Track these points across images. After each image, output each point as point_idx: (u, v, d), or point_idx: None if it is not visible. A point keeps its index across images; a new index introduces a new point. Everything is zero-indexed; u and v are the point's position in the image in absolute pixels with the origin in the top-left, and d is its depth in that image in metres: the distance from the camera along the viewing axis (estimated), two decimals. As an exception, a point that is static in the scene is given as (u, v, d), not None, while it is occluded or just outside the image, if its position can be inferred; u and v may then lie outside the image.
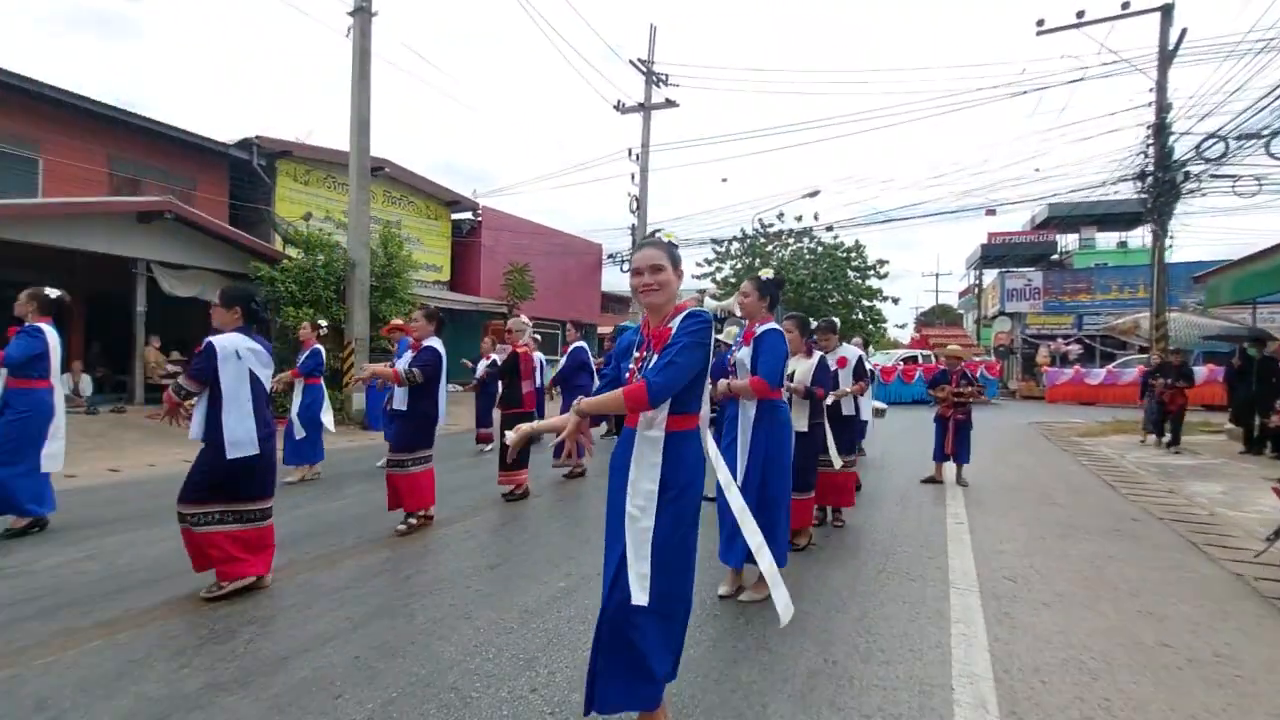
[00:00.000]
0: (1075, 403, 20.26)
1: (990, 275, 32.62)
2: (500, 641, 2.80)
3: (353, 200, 11.51)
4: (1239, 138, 11.68)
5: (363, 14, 11.02)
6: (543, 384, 7.28)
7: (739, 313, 3.62)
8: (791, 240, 24.10)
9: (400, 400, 4.71)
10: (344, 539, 4.39)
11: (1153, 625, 3.21)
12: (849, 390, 5.21)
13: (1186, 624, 3.23)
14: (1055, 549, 4.54)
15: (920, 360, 20.79)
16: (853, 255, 23.49)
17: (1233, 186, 12.54)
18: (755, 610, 3.21)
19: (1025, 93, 16.14)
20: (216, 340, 3.28)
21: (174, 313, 12.35)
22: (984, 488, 6.70)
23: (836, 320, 5.54)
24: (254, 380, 3.32)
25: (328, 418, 6.55)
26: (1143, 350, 19.25)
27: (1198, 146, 12.50)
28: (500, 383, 5.98)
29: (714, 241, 24.25)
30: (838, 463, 4.74)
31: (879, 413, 8.04)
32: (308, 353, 6.46)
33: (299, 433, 6.27)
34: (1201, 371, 15.62)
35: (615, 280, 27.85)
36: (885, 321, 25.57)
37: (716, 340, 2.97)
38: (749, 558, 3.29)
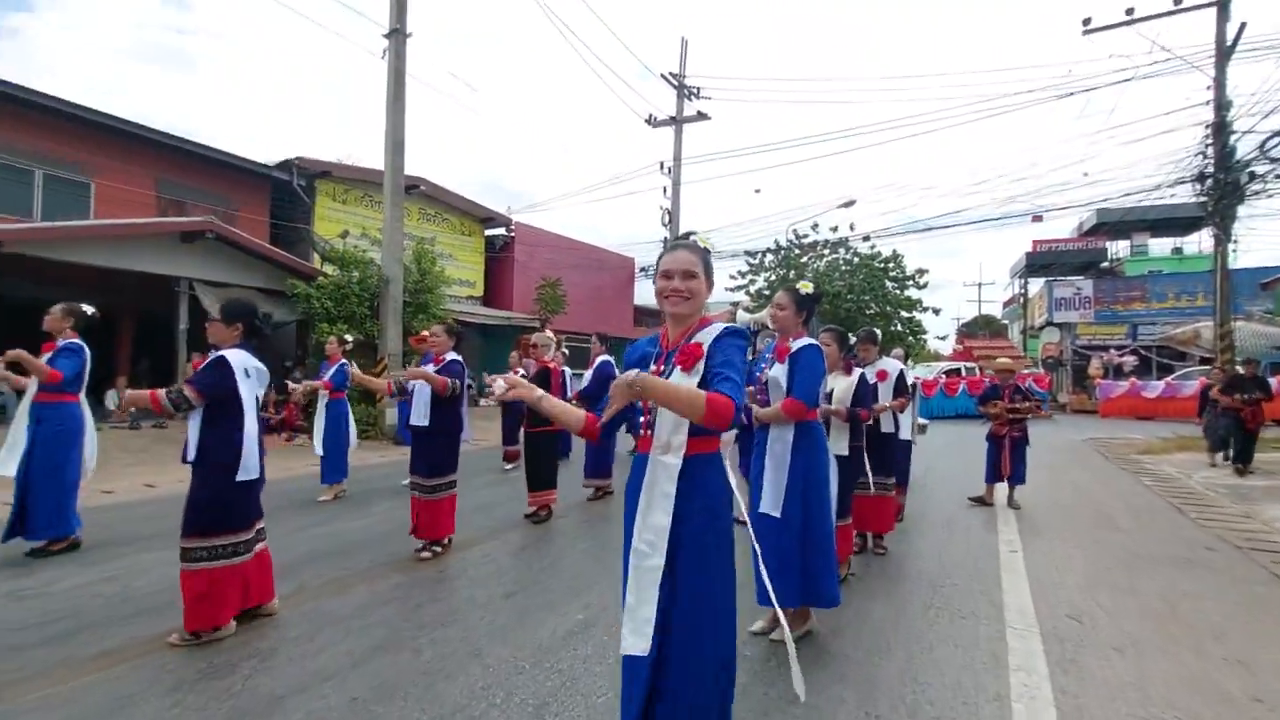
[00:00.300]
0: (1131, 417, 19.22)
1: (1036, 284, 31.49)
2: (510, 684, 2.60)
3: (387, 217, 11.65)
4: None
5: (397, 36, 11.20)
6: (567, 398, 7.12)
7: (772, 326, 3.38)
8: (827, 251, 23.65)
9: (422, 415, 4.54)
10: (359, 561, 4.27)
11: (1240, 675, 2.83)
12: (888, 405, 4.88)
13: (1278, 673, 2.84)
14: (1122, 582, 4.14)
15: (963, 373, 20.01)
16: (891, 265, 22.91)
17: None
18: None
19: (1072, 94, 15.53)
20: (229, 355, 3.14)
21: (215, 330, 12.65)
22: (1038, 510, 6.26)
23: (877, 331, 5.24)
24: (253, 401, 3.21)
25: (352, 434, 6.55)
26: (1204, 361, 18.17)
27: (1262, 145, 11.76)
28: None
29: (747, 253, 23.95)
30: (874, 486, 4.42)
31: (921, 429, 7.63)
32: (335, 367, 6.43)
33: (320, 450, 6.26)
34: (1272, 383, 14.62)
35: (648, 294, 27.73)
36: (925, 333, 24.87)
37: None
38: (805, 598, 3.02)
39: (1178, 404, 18.35)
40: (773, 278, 22.90)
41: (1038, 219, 19.81)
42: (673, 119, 17.67)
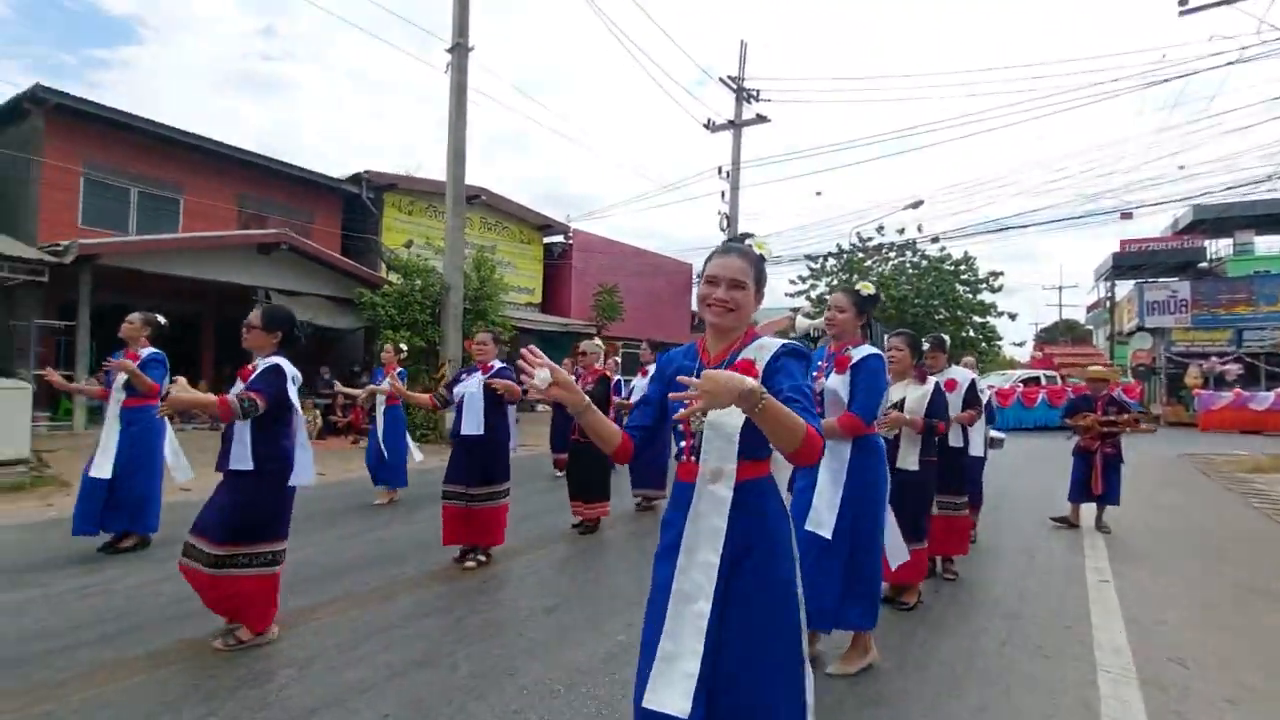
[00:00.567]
0: (1235, 431, 17.58)
1: (1124, 287, 29.38)
2: (543, 708, 2.47)
3: (449, 227, 11.91)
4: None
5: (460, 50, 11.46)
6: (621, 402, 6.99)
7: (829, 331, 3.15)
8: (892, 254, 22.76)
9: (475, 424, 4.46)
10: (405, 568, 4.25)
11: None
12: (957, 418, 4.51)
13: None
14: (1234, 620, 3.66)
15: (1043, 381, 18.76)
16: (962, 268, 21.83)
17: None
18: (845, 687, 2.70)
19: (1167, 80, 14.36)
20: (283, 362, 3.18)
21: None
22: (1130, 534, 5.70)
23: (946, 337, 4.88)
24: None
25: (411, 445, 6.64)
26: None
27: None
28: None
29: (808, 258, 23.34)
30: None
31: (997, 443, 7.08)
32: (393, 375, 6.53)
33: (384, 455, 6.35)
34: None
35: (706, 300, 27.37)
36: (1000, 339, 23.55)
37: None
38: (838, 621, 2.80)
39: (1291, 418, 16.67)
40: (834, 282, 22.21)
41: (1126, 216, 18.49)
42: (731, 123, 17.42)
